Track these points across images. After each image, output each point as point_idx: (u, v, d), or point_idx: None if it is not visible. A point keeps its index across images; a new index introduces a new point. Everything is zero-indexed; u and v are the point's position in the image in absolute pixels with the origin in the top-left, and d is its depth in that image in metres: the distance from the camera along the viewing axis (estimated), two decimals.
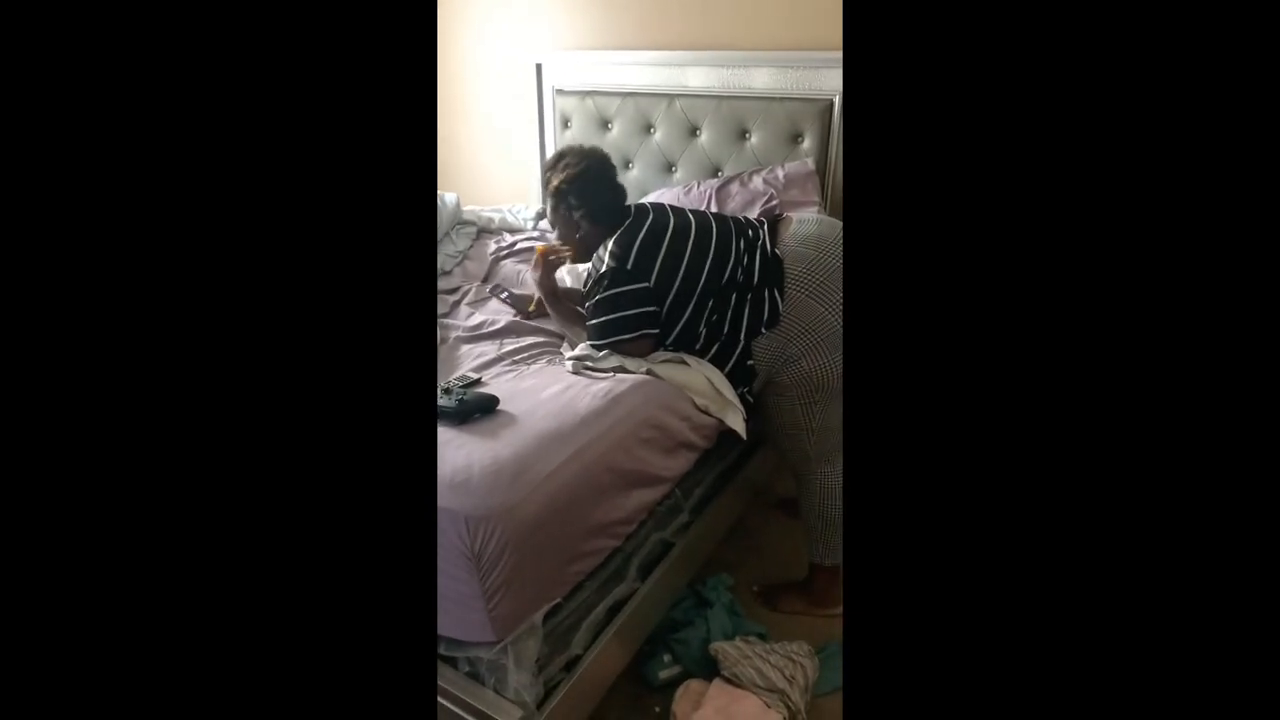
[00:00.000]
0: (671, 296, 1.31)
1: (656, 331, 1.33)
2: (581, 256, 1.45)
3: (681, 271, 1.31)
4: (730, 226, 1.37)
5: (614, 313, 1.31)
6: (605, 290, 1.31)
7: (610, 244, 1.34)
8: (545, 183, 1.42)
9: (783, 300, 1.30)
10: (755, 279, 1.32)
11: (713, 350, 1.33)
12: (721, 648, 1.30)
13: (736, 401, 1.32)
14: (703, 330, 1.33)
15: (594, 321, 1.33)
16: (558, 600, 1.04)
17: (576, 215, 1.39)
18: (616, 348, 1.32)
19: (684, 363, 1.31)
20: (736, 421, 1.32)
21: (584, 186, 1.38)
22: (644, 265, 1.30)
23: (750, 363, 1.33)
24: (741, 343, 1.31)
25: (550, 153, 2.39)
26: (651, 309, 1.31)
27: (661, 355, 1.33)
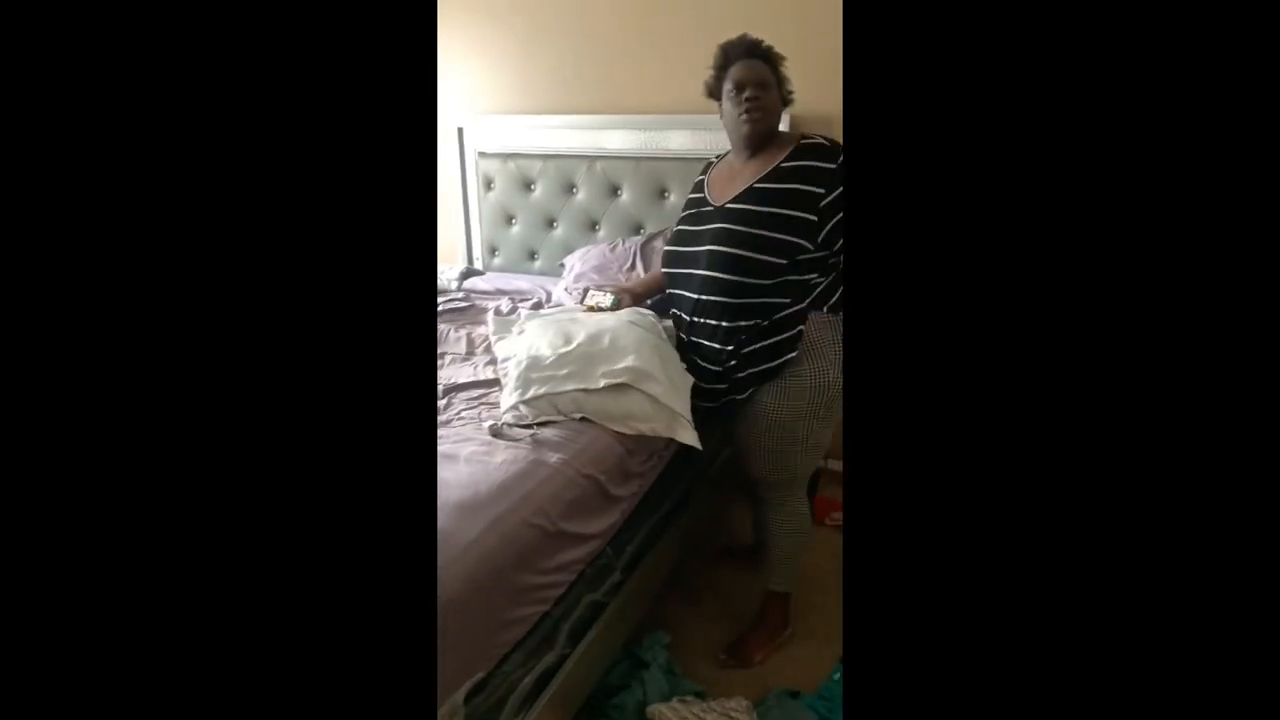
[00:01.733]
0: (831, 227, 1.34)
1: None
2: (763, 124, 1.40)
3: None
4: None
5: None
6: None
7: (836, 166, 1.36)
8: (777, 57, 1.42)
9: None
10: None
11: (817, 290, 1.35)
12: (659, 710, 1.28)
13: (686, 414, 1.30)
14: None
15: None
16: (481, 676, 1.00)
17: (781, 92, 1.42)
18: None
19: (630, 387, 1.27)
20: (687, 435, 1.30)
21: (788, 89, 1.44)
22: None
23: (800, 329, 1.33)
24: (807, 303, 1.33)
25: (474, 214, 2.41)
26: None
27: (604, 379, 1.28)
